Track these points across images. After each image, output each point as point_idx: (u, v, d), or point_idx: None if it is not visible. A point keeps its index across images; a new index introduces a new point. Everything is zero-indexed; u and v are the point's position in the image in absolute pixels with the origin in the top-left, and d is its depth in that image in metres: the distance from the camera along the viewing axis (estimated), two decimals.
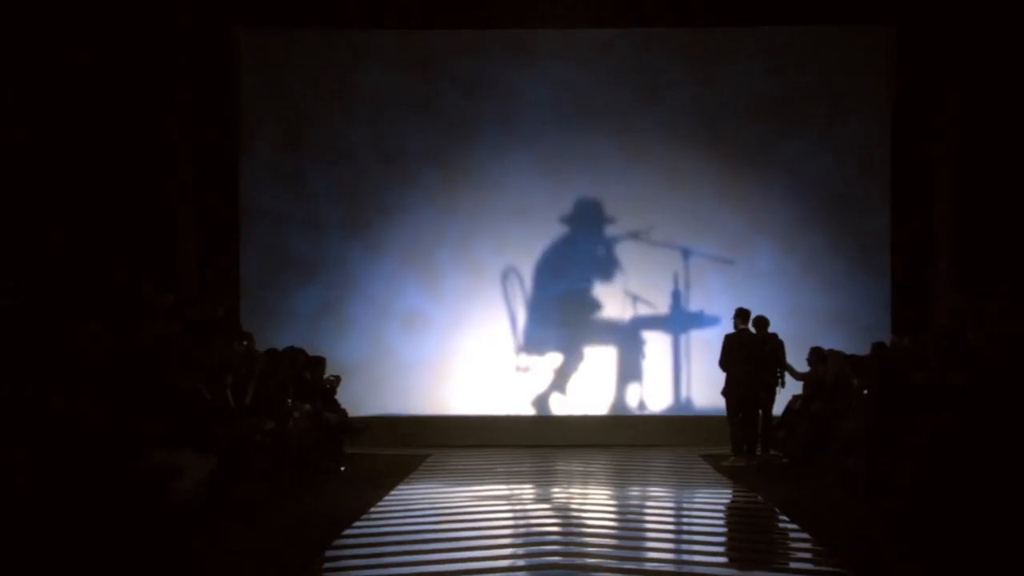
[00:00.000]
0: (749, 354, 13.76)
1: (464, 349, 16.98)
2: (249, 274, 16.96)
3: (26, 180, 12.95)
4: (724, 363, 13.99)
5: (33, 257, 12.79)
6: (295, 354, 13.80)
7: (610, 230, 17.04)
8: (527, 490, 12.43)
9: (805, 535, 9.21)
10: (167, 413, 9.39)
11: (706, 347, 16.49)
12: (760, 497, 11.35)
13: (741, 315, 14.03)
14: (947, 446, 9.44)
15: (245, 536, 9.00)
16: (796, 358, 14.22)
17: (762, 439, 13.80)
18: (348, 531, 9.24)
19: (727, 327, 14.49)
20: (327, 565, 8.07)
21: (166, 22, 15.44)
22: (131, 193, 15.04)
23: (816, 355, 14.21)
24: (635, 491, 12.60)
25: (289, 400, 12.59)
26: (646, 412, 16.97)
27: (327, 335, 16.32)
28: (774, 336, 13.93)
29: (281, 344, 13.99)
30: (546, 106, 17.05)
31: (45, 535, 7.64)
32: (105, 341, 10.03)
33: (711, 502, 11.45)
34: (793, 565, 8.51)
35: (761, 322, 13.99)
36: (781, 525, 9.87)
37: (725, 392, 13.99)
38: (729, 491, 11.98)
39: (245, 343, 13.12)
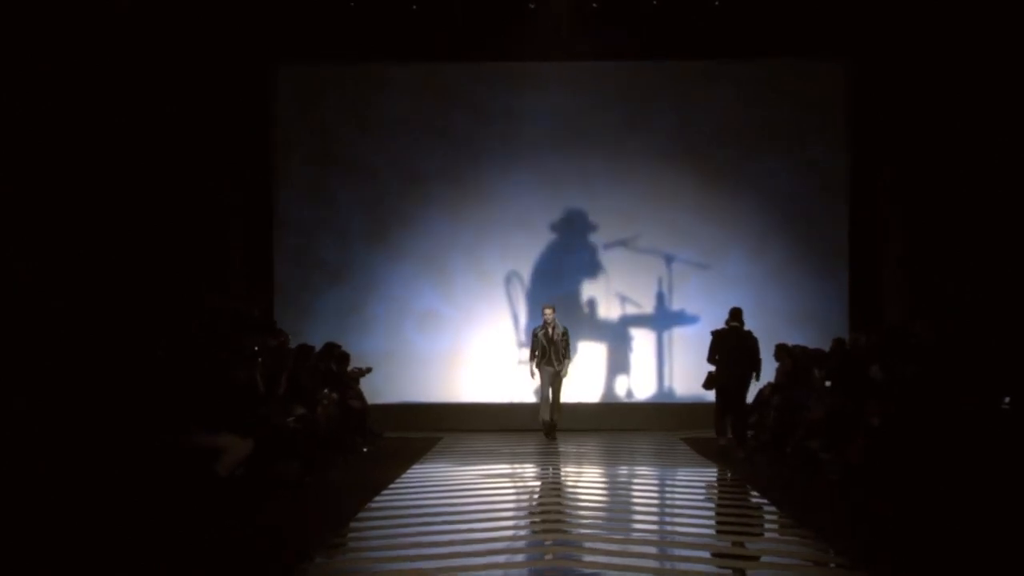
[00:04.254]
0: (735, 348, 13.40)
1: (473, 344, 17.01)
2: (283, 278, 17.01)
3: (101, 203, 12.99)
4: (712, 358, 13.61)
5: (106, 268, 12.82)
6: (329, 348, 13.83)
7: (601, 239, 17.07)
8: (528, 469, 12.47)
9: (772, 507, 9.24)
10: (211, 399, 9.41)
11: (686, 342, 16.54)
12: (731, 475, 11.37)
13: (735, 314, 13.62)
14: (894, 428, 9.48)
15: (281, 509, 9.03)
16: (764, 354, 14.16)
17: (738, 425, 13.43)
18: (371, 504, 9.26)
19: (705, 324, 14.52)
20: (353, 534, 8.10)
21: (212, 60, 15.48)
22: (186, 211, 15.10)
23: (783, 351, 14.21)
24: (623, 470, 12.64)
25: (325, 390, 12.63)
26: (633, 400, 16.99)
27: (352, 331, 16.35)
28: (750, 333, 13.77)
29: (311, 339, 14.00)
30: (545, 129, 17.07)
31: (97, 508, 7.66)
32: (164, 336, 10.05)
33: (689, 479, 11.46)
34: (762, 533, 8.53)
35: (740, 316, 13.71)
36: (751, 499, 9.89)
37: (717, 383, 13.55)
38: (705, 469, 12.00)
39: (279, 340, 13.12)
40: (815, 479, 10.56)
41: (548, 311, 14.95)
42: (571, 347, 15.16)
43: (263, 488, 9.45)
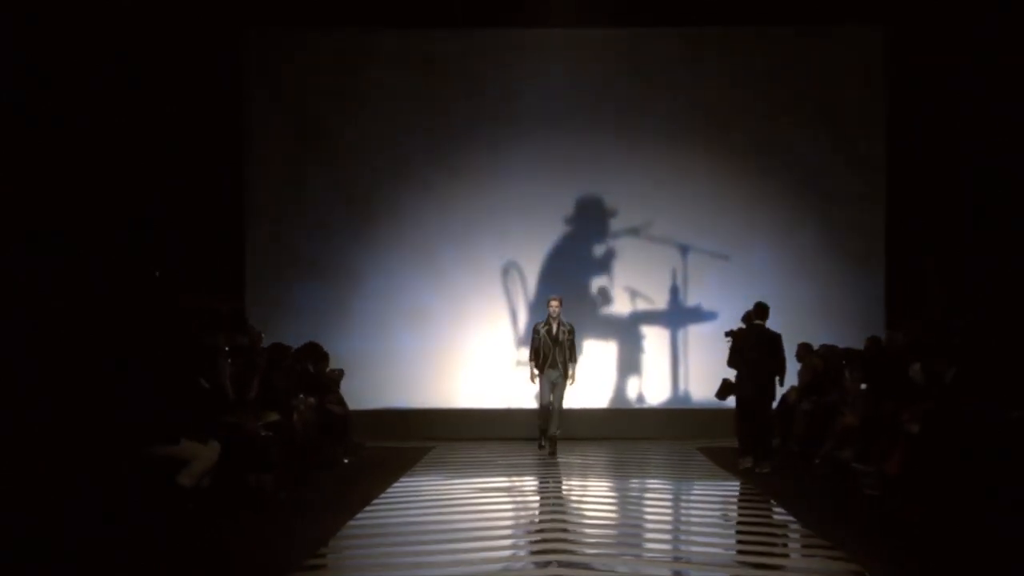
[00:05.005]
0: (759, 350, 12.82)
1: (466, 343, 16.98)
2: (255, 270, 16.97)
3: (44, 188, 12.97)
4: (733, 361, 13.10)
5: (56, 261, 12.81)
6: (308, 349, 13.79)
7: (609, 227, 17.04)
8: (528, 482, 12.44)
9: (799, 525, 9.22)
10: (174, 405, 9.39)
11: (703, 341, 16.51)
12: (757, 489, 11.35)
13: (759, 310, 13.01)
14: (937, 436, 9.45)
15: (251, 526, 9.01)
16: (790, 352, 14.09)
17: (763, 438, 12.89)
18: (352, 522, 9.24)
19: (724, 322, 14.45)
20: (331, 555, 8.07)
21: (172, 28, 15.42)
22: (145, 197, 15.05)
23: (806, 351, 14.15)
24: (633, 483, 12.61)
25: (301, 394, 12.61)
26: (644, 405, 16.97)
27: (332, 330, 16.30)
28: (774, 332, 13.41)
29: (286, 338, 13.96)
30: (547, 105, 17.03)
31: (49, 526, 7.65)
32: (117, 335, 10.04)
33: (707, 493, 11.44)
34: (788, 554, 8.52)
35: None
36: (776, 516, 9.87)
37: (738, 392, 13.08)
38: (724, 483, 11.96)
39: (250, 338, 13.11)
40: (848, 493, 10.54)
41: (554, 303, 14.34)
42: (576, 348, 14.67)
43: (232, 503, 9.42)
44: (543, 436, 14.51)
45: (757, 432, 12.68)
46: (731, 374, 13.46)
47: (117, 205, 14.50)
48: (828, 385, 13.30)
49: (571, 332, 14.40)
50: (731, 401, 13.54)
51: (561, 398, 14.44)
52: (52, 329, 9.93)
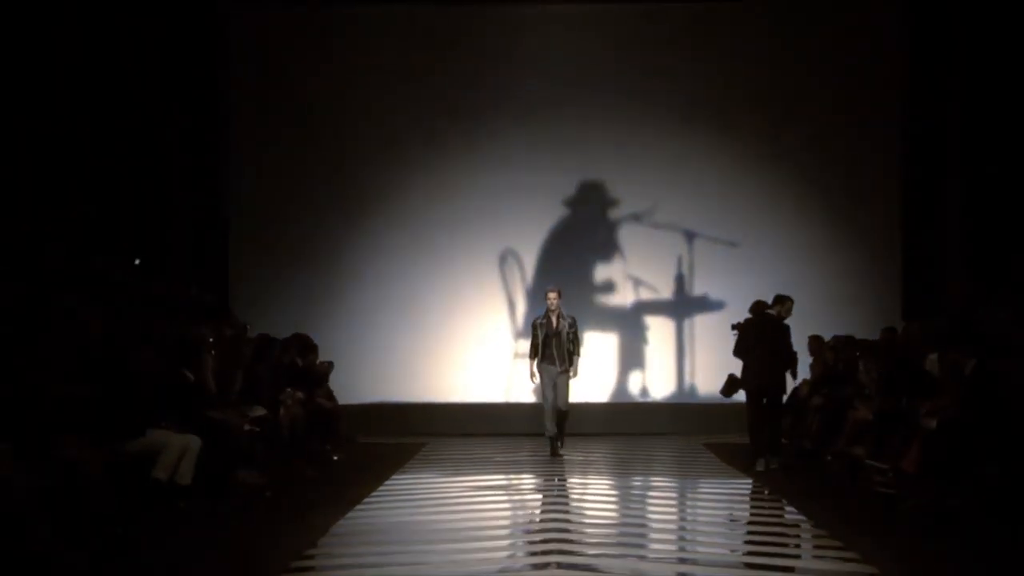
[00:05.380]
0: (769, 342, 12.70)
1: (461, 334, 17.01)
2: (239, 257, 16.99)
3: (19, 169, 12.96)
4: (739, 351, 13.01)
5: (19, 249, 12.78)
6: (296, 341, 13.80)
7: (611, 211, 17.06)
8: (526, 480, 12.45)
9: (811, 525, 9.24)
10: (155, 400, 9.41)
11: (711, 332, 16.53)
12: (766, 488, 11.37)
13: (776, 300, 12.87)
14: (955, 432, 9.47)
15: (236, 526, 9.01)
16: (801, 345, 14.11)
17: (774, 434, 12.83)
18: (341, 521, 9.23)
19: (732, 312, 14.45)
20: (320, 557, 8.07)
21: (155, 4, 15.41)
22: (123, 178, 15.02)
23: (818, 343, 14.15)
24: (637, 481, 12.63)
25: (288, 388, 12.62)
26: (648, 400, 17.01)
27: (320, 321, 16.32)
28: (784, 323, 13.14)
29: (272, 329, 13.97)
30: (547, 83, 17.04)
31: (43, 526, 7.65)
32: (93, 328, 10.03)
33: (715, 492, 11.46)
34: (800, 555, 8.53)
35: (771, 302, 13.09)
36: (787, 516, 9.89)
37: (748, 386, 12.93)
38: (733, 480, 11.99)
39: (235, 329, 13.12)
40: (862, 492, 10.56)
41: (552, 296, 14.00)
42: (580, 341, 14.33)
43: (215, 502, 9.43)
44: (554, 443, 13.93)
45: (765, 429, 12.58)
46: (738, 368, 13.43)
47: (93, 188, 14.47)
48: (841, 378, 13.30)
49: (573, 324, 14.06)
50: (741, 395, 13.49)
51: (565, 394, 14.05)
52: (16, 318, 9.91)
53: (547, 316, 14.03)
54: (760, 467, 12.32)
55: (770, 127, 16.95)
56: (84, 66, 14.22)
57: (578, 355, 14.09)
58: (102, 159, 14.55)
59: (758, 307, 13.15)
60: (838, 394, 12.98)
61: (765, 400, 12.61)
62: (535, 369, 14.06)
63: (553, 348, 13.91)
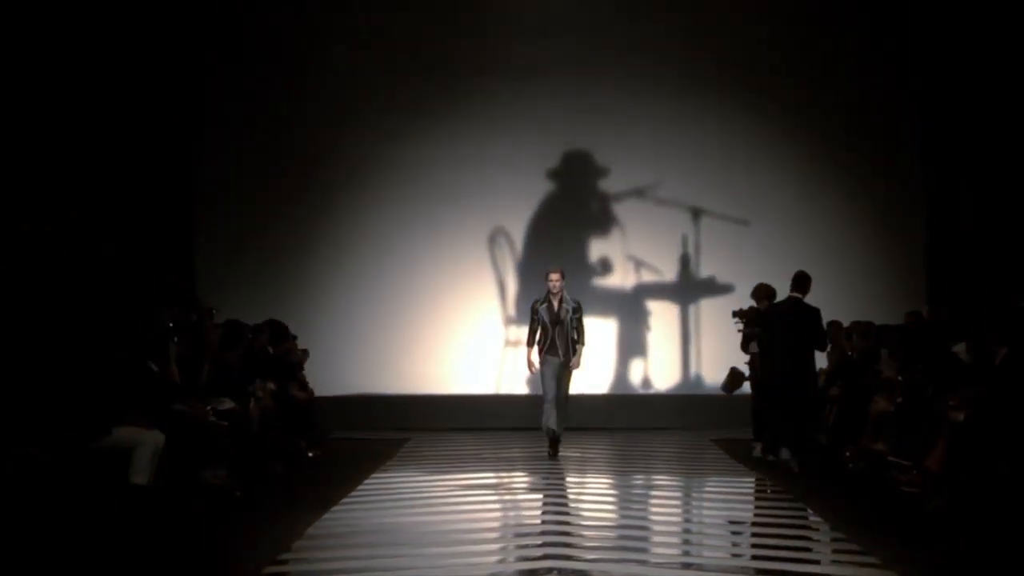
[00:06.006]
0: (794, 329, 12.52)
1: (447, 320, 17.01)
2: (207, 236, 16.97)
3: None
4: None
5: None
6: (269, 328, 13.78)
7: (611, 186, 17.07)
8: (518, 479, 12.47)
9: (827, 527, 9.25)
10: (116, 394, 9.40)
11: (718, 318, 16.48)
12: (779, 487, 11.39)
13: (799, 281, 12.73)
14: (984, 427, 9.47)
15: (201, 528, 9.01)
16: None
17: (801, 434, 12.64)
18: (317, 523, 9.22)
19: (742, 296, 14.45)
20: (294, 562, 8.07)
21: None
22: (80, 153, 14.99)
23: (836, 328, 14.17)
24: (638, 479, 12.63)
25: (258, 379, 12.62)
26: (651, 391, 17.04)
27: (293, 305, 16.29)
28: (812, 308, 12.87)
29: (242, 315, 13.92)
30: (539, 45, 17.00)
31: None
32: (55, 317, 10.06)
33: (723, 491, 11.48)
34: (815, 560, 8.54)
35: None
36: (801, 517, 9.90)
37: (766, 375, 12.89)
38: (742, 479, 12.01)
39: (201, 315, 13.11)
40: (883, 491, 10.57)
41: (555, 277, 13.48)
42: (584, 329, 13.77)
43: (180, 502, 9.43)
44: (551, 441, 13.56)
45: (791, 423, 12.44)
46: (740, 361, 13.49)
47: (51, 168, 14.47)
48: (861, 368, 13.30)
49: (577, 310, 13.60)
50: (746, 388, 13.56)
51: (566, 389, 13.64)
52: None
53: (548, 300, 13.53)
54: (769, 458, 12.43)
55: (786, 96, 16.95)
56: (44, 55, 14.23)
57: (582, 344, 13.62)
58: (64, 141, 14.57)
59: (765, 292, 13.12)
60: (857, 385, 12.99)
61: (787, 395, 12.45)
62: (533, 358, 13.56)
63: (555, 336, 13.44)
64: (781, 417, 12.54)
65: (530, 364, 13.63)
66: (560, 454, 13.62)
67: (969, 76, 16.18)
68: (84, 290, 12.24)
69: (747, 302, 13.67)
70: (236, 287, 16.57)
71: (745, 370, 13.53)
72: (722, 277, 16.93)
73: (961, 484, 9.45)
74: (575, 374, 13.85)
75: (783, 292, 13.04)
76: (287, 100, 17.06)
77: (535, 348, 13.52)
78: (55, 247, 13.39)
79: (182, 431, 9.95)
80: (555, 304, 13.49)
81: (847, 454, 12.34)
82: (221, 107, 16.99)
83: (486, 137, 16.99)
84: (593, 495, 11.52)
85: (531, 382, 16.64)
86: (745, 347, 13.47)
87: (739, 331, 13.50)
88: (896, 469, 10.77)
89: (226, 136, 16.99)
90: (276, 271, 16.91)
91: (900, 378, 12.06)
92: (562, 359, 13.45)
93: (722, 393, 14.03)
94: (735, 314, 13.41)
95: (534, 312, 13.58)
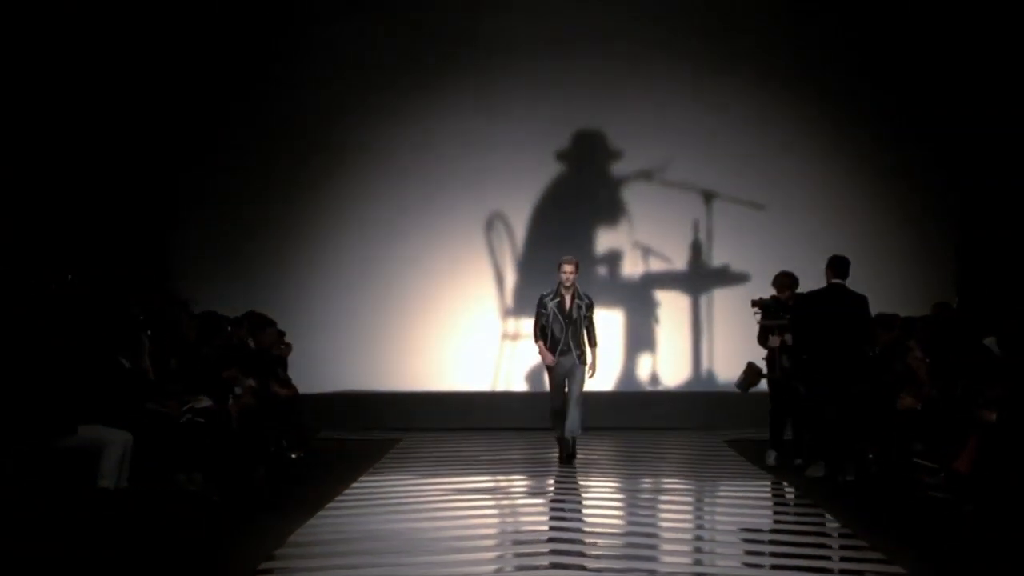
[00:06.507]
0: (837, 321, 11.98)
1: (441, 313, 17.00)
2: (180, 225, 16.94)
3: None
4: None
5: None
6: (249, 320, 13.77)
7: (616, 168, 17.04)
8: (517, 482, 12.49)
9: (850, 534, 9.24)
10: (76, 387, 9.39)
11: (733, 310, 16.51)
12: (797, 491, 11.36)
13: (836, 266, 12.22)
14: (1015, 426, 9.45)
15: (177, 534, 8.98)
16: None
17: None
18: (301, 530, 9.21)
19: (758, 286, 14.42)
20: (275, 572, 8.06)
21: None
22: (41, 130, 15.00)
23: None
24: (647, 483, 12.65)
25: (238, 374, 12.61)
26: (660, 388, 17.04)
27: (277, 296, 16.24)
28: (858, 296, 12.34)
29: (220, 307, 13.93)
30: (538, 14, 16.98)
31: None
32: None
33: (737, 496, 11.49)
34: (836, 570, 8.54)
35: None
36: (822, 524, 9.89)
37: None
38: (758, 483, 12.02)
39: (176, 306, 13.11)
40: (909, 495, 10.56)
41: (568, 269, 12.92)
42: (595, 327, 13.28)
43: (152, 508, 9.41)
44: (563, 448, 13.14)
45: (836, 432, 11.90)
46: (756, 355, 13.33)
47: (10, 156, 14.51)
48: (885, 363, 13.25)
49: (590, 307, 13.09)
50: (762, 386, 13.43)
51: (579, 392, 13.04)
52: None
53: (559, 294, 12.99)
54: (817, 473, 11.87)
55: (809, 69, 16.88)
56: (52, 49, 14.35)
57: (595, 345, 13.14)
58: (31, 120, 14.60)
59: (787, 281, 12.99)
60: (882, 380, 12.94)
61: (832, 399, 11.97)
62: (545, 348, 13.01)
63: (568, 335, 12.93)
64: (822, 425, 11.99)
65: (545, 355, 13.09)
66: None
67: (1013, 57, 16.11)
68: (50, 281, 12.23)
69: (762, 292, 13.53)
70: (213, 277, 16.55)
71: (763, 366, 13.30)
72: (736, 266, 16.91)
73: (993, 488, 9.43)
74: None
75: (804, 281, 12.94)
76: (268, 79, 16.98)
77: (542, 343, 13.07)
78: (17, 238, 13.41)
79: (155, 431, 9.95)
80: (567, 300, 12.97)
81: (870, 456, 12.30)
82: (199, 86, 16.90)
83: (481, 115, 16.95)
84: (598, 500, 11.48)
85: (531, 378, 16.67)
86: (763, 340, 13.13)
87: (758, 323, 13.17)
88: (923, 472, 10.75)
89: (203, 115, 16.92)
90: (256, 260, 16.87)
91: (928, 374, 12.02)
92: (573, 363, 12.97)
93: (737, 391, 13.85)
94: (754, 304, 13.12)
95: (541, 307, 13.09)
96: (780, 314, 12.90)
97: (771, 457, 12.98)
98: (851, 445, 11.88)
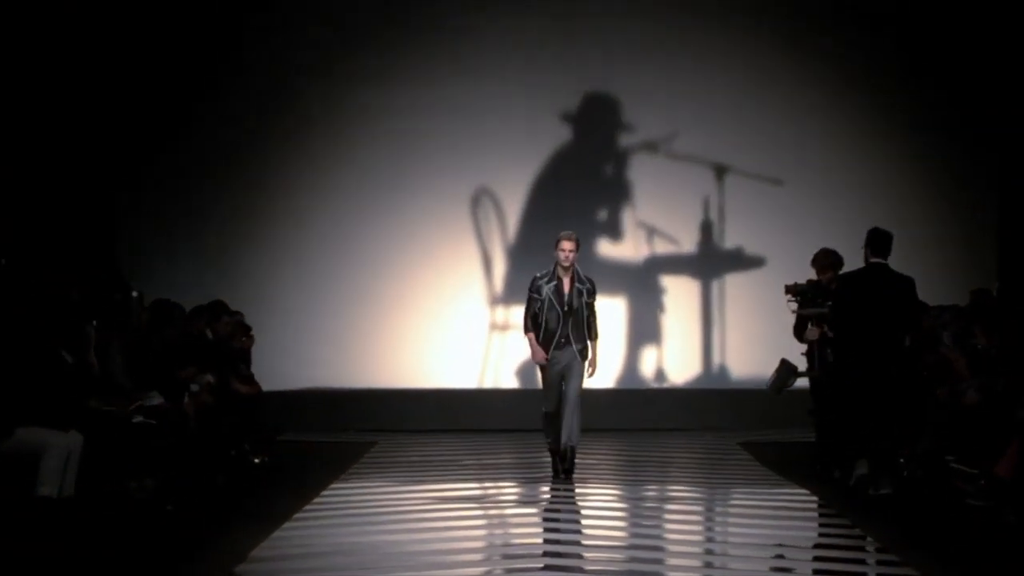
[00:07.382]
0: (878, 305, 11.50)
1: (421, 302, 17.00)
2: (130, 205, 16.93)
3: None
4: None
5: None
6: (211, 309, 13.76)
7: (619, 140, 17.06)
8: (506, 489, 12.55)
9: (878, 546, 9.26)
10: (12, 384, 9.40)
11: (747, 298, 16.56)
12: (820, 498, 11.39)
13: (877, 242, 11.70)
14: None
15: (123, 550, 8.98)
16: None
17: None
18: (265, 543, 9.21)
19: (775, 271, 14.46)
20: None
21: None
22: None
23: None
24: (652, 490, 12.68)
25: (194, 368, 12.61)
26: (666, 385, 17.06)
27: (237, 284, 16.24)
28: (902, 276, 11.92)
29: (175, 295, 13.88)
30: None
31: None
32: None
33: (753, 504, 11.51)
34: None
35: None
36: (846, 534, 9.90)
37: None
38: (775, 490, 12.04)
39: (124, 294, 13.10)
40: (945, 503, 10.58)
41: (568, 246, 12.21)
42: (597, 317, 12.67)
43: (98, 518, 9.40)
44: (557, 458, 12.46)
45: (881, 428, 11.50)
46: (790, 351, 13.06)
47: None
48: (916, 356, 13.28)
49: (592, 293, 12.40)
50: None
51: (577, 392, 12.38)
52: None
53: (556, 276, 12.32)
54: (862, 471, 11.38)
55: (833, 32, 16.88)
56: None
57: (596, 338, 12.53)
58: None
59: (830, 260, 12.43)
60: (915, 376, 12.96)
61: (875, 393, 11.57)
62: (536, 342, 12.36)
63: (566, 325, 12.25)
64: (864, 421, 11.56)
65: (535, 351, 12.42)
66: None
67: None
68: None
69: (779, 277, 13.35)
70: (165, 265, 16.53)
71: (799, 363, 12.87)
72: (751, 248, 16.93)
73: None
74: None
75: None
76: (229, 51, 16.93)
77: (532, 334, 12.40)
78: None
79: (101, 433, 9.92)
80: (565, 283, 12.29)
81: (902, 460, 12.32)
82: (155, 62, 16.86)
83: (467, 80, 16.94)
84: (597, 510, 11.48)
85: (522, 374, 16.67)
86: (800, 333, 12.58)
87: (793, 312, 12.60)
88: (960, 477, 10.77)
89: (159, 90, 16.87)
90: (213, 244, 16.87)
91: (966, 370, 12.02)
92: (572, 357, 12.32)
93: (760, 382, 13.41)
94: (788, 290, 12.48)
95: (534, 291, 12.41)
96: (819, 300, 12.32)
97: (862, 467, 11.69)
98: (892, 446, 11.56)
